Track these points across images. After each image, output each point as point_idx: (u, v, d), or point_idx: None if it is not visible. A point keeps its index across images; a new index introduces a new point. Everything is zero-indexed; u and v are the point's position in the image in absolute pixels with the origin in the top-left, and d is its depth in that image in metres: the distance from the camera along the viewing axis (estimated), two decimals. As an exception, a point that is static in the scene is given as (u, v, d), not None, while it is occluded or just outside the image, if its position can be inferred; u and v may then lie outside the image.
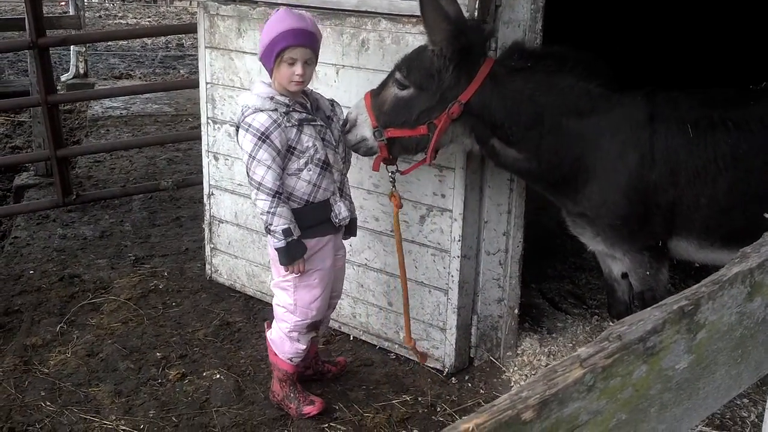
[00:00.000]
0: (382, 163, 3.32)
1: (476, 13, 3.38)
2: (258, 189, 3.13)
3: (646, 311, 1.25)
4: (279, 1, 3.94)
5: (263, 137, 3.10)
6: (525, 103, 3.11)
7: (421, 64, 3.11)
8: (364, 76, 3.81)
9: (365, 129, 3.23)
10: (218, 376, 3.85)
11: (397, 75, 3.16)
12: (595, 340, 1.20)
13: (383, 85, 3.25)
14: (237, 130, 3.23)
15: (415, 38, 3.57)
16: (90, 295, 4.68)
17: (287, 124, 3.15)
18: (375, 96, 3.23)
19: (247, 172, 3.16)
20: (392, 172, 3.38)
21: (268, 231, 3.19)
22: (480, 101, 3.10)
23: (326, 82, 3.90)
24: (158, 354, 4.04)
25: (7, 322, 4.43)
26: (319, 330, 3.62)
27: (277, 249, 3.20)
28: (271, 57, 3.12)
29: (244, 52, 4.30)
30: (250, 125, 3.12)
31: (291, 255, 3.20)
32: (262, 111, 3.13)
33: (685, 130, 3.04)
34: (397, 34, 3.66)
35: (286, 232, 3.16)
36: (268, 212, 3.14)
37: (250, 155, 3.12)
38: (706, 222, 3.11)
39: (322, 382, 3.79)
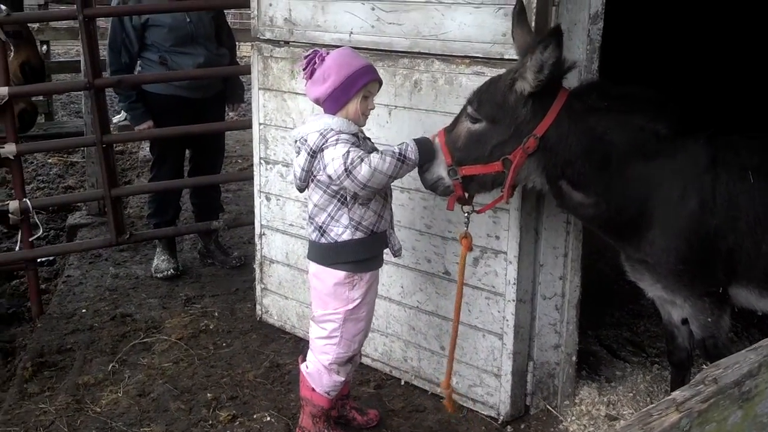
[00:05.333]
0: (456, 203, 3.25)
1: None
2: (361, 163, 3.06)
3: (741, 353, 1.18)
4: (333, 43, 3.97)
5: (354, 145, 3.14)
6: (598, 142, 3.04)
7: (492, 97, 3.06)
8: (416, 116, 3.80)
9: (440, 167, 3.17)
10: (268, 418, 3.80)
11: (469, 109, 3.11)
12: (690, 382, 1.13)
13: (456, 120, 3.20)
14: (313, 154, 3.17)
15: (468, 78, 3.56)
16: (141, 335, 4.69)
17: (362, 150, 3.18)
18: (449, 132, 3.18)
19: (347, 169, 3.07)
20: (468, 213, 3.30)
21: (402, 160, 3.11)
22: (557, 135, 3.02)
23: (378, 123, 3.90)
24: (209, 395, 4.01)
25: (60, 360, 4.46)
26: (353, 362, 3.56)
27: (413, 156, 3.13)
28: (353, 89, 3.17)
29: (296, 93, 4.33)
30: (338, 139, 3.12)
31: (425, 149, 3.17)
32: (344, 133, 3.16)
33: (746, 176, 2.96)
34: (450, 74, 3.65)
35: (402, 149, 3.14)
36: (386, 158, 3.08)
37: (344, 153, 3.08)
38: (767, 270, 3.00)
39: (371, 429, 3.71)
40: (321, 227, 3.27)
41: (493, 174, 3.10)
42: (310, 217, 3.33)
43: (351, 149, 3.10)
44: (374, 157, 3.08)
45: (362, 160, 3.06)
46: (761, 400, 1.23)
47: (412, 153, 3.13)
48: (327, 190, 3.21)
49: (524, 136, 3.01)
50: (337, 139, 3.13)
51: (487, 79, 3.24)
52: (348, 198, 3.20)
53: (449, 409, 3.52)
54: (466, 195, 3.23)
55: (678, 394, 1.10)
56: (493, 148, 3.06)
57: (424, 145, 3.18)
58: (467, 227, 3.31)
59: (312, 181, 3.25)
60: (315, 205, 3.27)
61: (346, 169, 3.07)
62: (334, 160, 3.10)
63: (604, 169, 3.07)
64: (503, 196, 3.13)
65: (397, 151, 3.12)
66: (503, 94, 3.04)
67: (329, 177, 3.14)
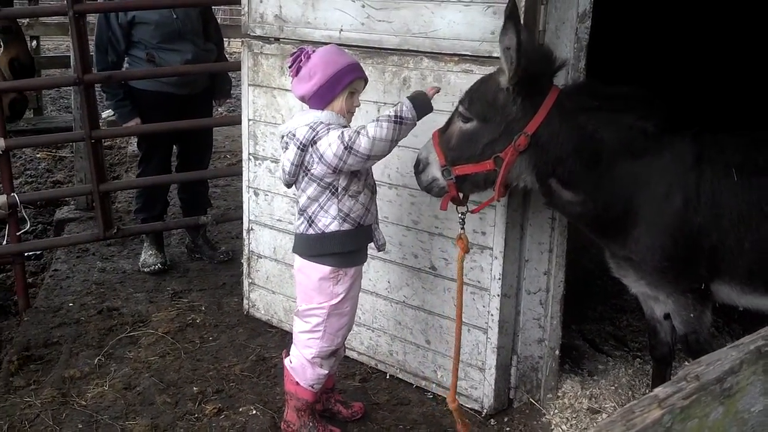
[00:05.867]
0: (450, 203, 3.28)
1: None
2: (359, 136, 3.07)
3: (723, 350, 1.21)
4: (323, 40, 3.99)
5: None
6: (587, 139, 3.07)
7: (482, 96, 3.09)
8: (406, 113, 3.82)
9: (435, 168, 3.21)
10: (254, 411, 3.82)
11: (461, 108, 3.14)
12: (672, 379, 1.17)
13: (449, 121, 3.23)
14: (304, 148, 3.18)
15: (457, 76, 3.59)
16: (128, 329, 4.70)
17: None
18: (442, 133, 3.21)
19: (347, 146, 3.07)
20: (462, 213, 3.33)
21: (399, 121, 3.09)
22: (547, 132, 3.04)
23: (367, 119, 3.90)
24: (195, 388, 4.03)
25: (46, 354, 4.45)
26: (337, 355, 3.59)
27: (410, 114, 3.13)
28: (338, 86, 3.18)
29: (286, 90, 4.35)
30: (329, 129, 3.15)
31: (421, 104, 3.17)
32: (334, 124, 3.19)
33: (730, 174, 3.00)
34: (438, 72, 3.68)
35: (397, 110, 3.13)
36: (382, 124, 3.09)
37: (339, 135, 3.10)
38: (750, 267, 3.04)
39: (356, 422, 3.74)
40: (310, 217, 3.29)
41: (485, 172, 3.12)
42: (300, 209, 3.34)
43: (344, 130, 3.13)
44: (370, 126, 3.09)
45: (359, 133, 3.08)
46: (742, 396, 1.26)
47: (409, 111, 3.13)
48: (321, 183, 3.22)
49: (515, 134, 3.04)
50: (328, 129, 3.15)
51: (477, 77, 3.27)
52: (339, 189, 3.22)
53: (462, 430, 3.42)
54: (461, 195, 3.26)
55: (660, 391, 1.13)
56: (484, 147, 3.09)
57: (418, 99, 3.18)
58: (463, 229, 3.34)
59: (306, 175, 3.24)
60: (308, 198, 3.27)
61: (346, 147, 3.07)
62: (331, 145, 3.10)
63: (593, 167, 3.10)
64: (495, 195, 3.16)
65: (392, 113, 3.12)
66: (493, 92, 3.07)
67: (329, 164, 3.13)
